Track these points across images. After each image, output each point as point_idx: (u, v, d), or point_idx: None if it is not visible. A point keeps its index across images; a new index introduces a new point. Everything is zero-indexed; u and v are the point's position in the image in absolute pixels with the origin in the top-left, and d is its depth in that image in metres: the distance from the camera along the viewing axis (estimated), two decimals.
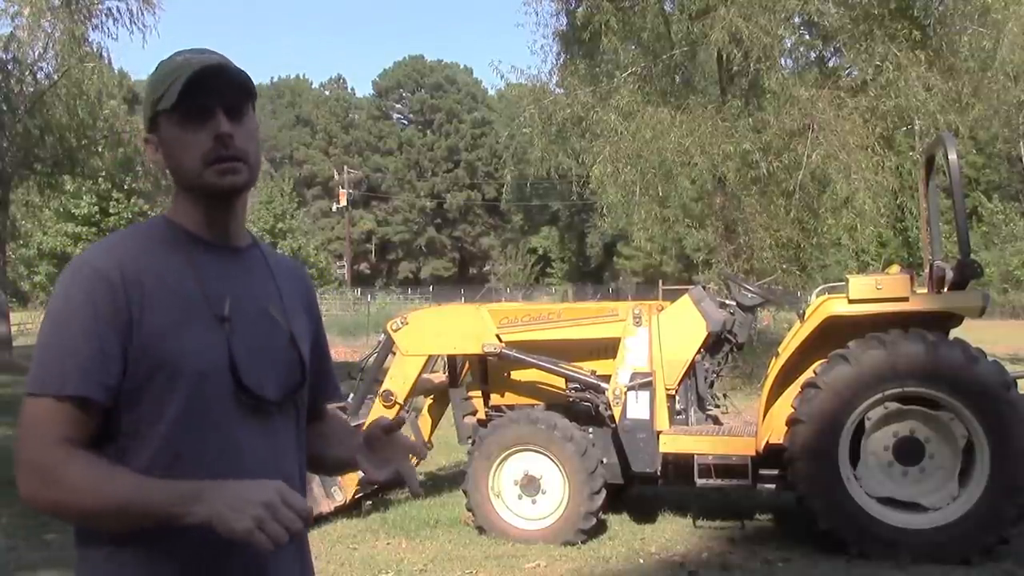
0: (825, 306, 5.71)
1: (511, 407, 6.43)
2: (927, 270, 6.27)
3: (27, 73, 17.69)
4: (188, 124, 1.49)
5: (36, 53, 17.67)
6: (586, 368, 6.25)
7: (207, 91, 1.48)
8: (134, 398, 1.43)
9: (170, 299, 1.46)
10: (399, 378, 6.45)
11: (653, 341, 6.04)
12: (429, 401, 7.26)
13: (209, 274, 1.52)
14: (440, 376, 7.05)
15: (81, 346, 1.40)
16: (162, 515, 1.36)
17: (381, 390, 6.41)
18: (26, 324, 25.20)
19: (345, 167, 55.74)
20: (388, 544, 5.88)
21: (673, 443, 5.93)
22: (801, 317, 6.16)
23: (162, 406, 1.44)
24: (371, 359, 6.70)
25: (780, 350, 6.16)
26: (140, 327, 1.43)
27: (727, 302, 6.65)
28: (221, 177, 1.50)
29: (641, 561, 5.54)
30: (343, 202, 52.19)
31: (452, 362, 6.72)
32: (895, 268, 6.29)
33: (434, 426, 7.29)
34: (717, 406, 6.62)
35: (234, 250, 1.59)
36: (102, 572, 1.46)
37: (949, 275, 5.75)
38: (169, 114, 1.50)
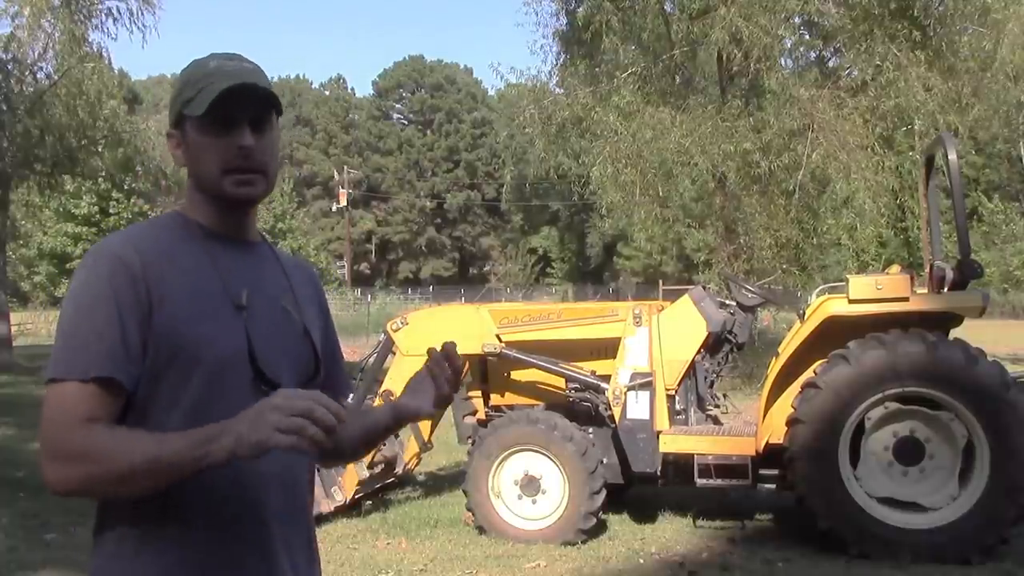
0: (825, 306, 5.70)
1: (511, 407, 6.43)
2: (927, 270, 6.26)
3: (27, 73, 17.66)
4: (213, 132, 1.54)
5: (36, 53, 17.65)
6: (586, 368, 6.25)
7: (236, 104, 1.52)
8: (153, 383, 1.45)
9: (188, 287, 1.49)
10: (399, 378, 6.43)
11: (653, 341, 6.04)
12: None
13: (225, 264, 1.55)
14: None
15: (104, 330, 1.41)
16: (189, 460, 1.35)
17: (381, 390, 6.40)
18: (26, 324, 25.20)
19: (345, 167, 55.69)
20: (388, 544, 5.88)
21: (673, 443, 5.93)
22: (801, 317, 6.15)
23: (179, 392, 1.46)
24: (371, 359, 6.69)
25: (780, 350, 6.16)
26: (160, 313, 1.45)
27: (727, 302, 6.65)
28: (237, 188, 1.55)
29: (641, 561, 5.53)
30: (343, 202, 52.16)
31: None
32: (895, 268, 6.29)
33: (434, 426, 7.27)
34: (717, 406, 6.61)
35: (246, 244, 1.63)
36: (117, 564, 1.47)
37: (949, 275, 5.74)
38: (198, 119, 1.53)
